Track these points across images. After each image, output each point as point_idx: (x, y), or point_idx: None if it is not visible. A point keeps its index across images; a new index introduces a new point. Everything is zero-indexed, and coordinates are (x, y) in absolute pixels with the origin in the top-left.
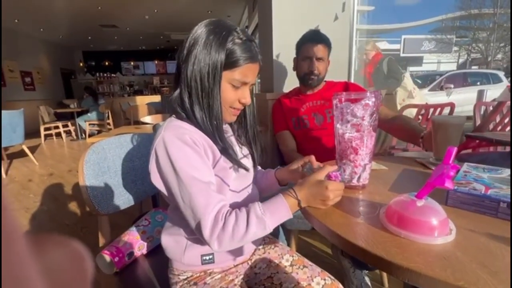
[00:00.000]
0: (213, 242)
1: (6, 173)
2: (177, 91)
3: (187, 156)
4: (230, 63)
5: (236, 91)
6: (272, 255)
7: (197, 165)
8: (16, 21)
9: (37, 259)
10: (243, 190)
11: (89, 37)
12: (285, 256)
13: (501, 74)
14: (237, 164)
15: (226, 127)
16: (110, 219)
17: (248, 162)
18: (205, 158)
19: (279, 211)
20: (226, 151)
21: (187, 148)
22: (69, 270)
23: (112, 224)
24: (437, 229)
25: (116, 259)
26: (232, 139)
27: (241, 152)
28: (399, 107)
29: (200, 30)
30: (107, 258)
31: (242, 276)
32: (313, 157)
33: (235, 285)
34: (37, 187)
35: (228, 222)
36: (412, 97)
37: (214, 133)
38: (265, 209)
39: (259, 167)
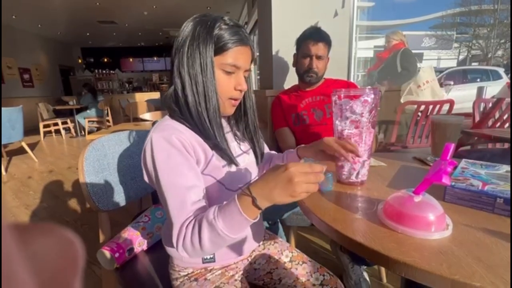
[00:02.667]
0: (181, 251)
1: (6, 170)
2: (172, 87)
3: (171, 159)
4: (219, 47)
5: (230, 78)
6: (271, 251)
7: (180, 169)
8: (13, 17)
9: (24, 248)
10: (241, 188)
11: (88, 34)
12: (284, 252)
13: (501, 71)
14: (229, 160)
15: (225, 125)
16: (110, 216)
17: (248, 158)
18: (192, 161)
19: (231, 214)
20: (217, 146)
21: (173, 150)
22: (58, 257)
23: (112, 221)
24: (434, 225)
25: (117, 255)
26: (228, 136)
27: (240, 148)
28: (403, 101)
29: (188, 24)
30: (108, 254)
31: (242, 272)
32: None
33: (235, 280)
34: (37, 184)
35: (187, 231)
36: (411, 94)
37: (211, 124)
38: (218, 212)
39: (274, 152)
